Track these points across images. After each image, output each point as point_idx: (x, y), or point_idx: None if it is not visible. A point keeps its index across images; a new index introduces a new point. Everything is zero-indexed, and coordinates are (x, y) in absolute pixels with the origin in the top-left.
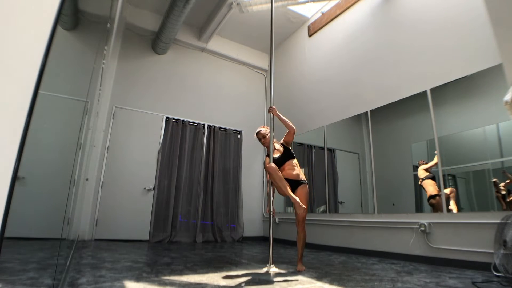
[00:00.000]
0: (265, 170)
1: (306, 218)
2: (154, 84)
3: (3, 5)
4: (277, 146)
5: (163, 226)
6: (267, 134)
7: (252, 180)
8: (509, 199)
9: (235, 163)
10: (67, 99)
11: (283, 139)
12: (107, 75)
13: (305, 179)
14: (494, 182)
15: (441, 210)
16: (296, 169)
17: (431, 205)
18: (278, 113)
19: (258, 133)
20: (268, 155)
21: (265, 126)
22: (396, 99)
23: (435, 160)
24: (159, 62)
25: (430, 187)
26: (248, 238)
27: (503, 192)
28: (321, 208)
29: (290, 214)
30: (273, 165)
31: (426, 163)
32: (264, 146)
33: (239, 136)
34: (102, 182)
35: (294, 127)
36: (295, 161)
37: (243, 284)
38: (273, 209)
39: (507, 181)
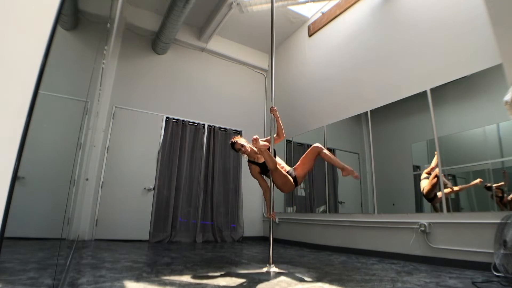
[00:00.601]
0: (255, 177)
1: (306, 217)
2: (154, 84)
3: (3, 5)
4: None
5: (163, 226)
6: (245, 143)
7: (252, 180)
8: (505, 200)
9: (235, 163)
10: (67, 99)
11: (265, 139)
12: (107, 75)
13: (290, 168)
14: (488, 187)
15: (434, 196)
16: (283, 165)
17: (426, 197)
18: (278, 115)
19: (234, 145)
20: (251, 161)
21: (237, 136)
22: (396, 99)
23: (434, 162)
24: (159, 62)
25: (423, 184)
26: (248, 238)
27: (499, 195)
28: (321, 208)
29: (290, 214)
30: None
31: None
32: (244, 154)
33: (239, 136)
34: (102, 182)
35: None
36: (278, 159)
37: (243, 284)
38: (273, 211)
39: (501, 182)
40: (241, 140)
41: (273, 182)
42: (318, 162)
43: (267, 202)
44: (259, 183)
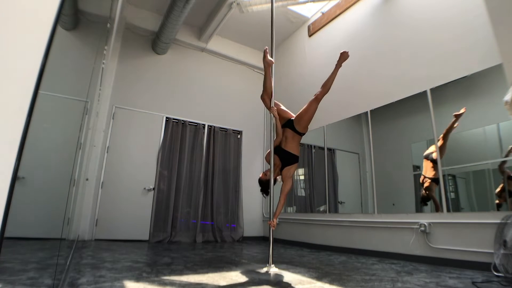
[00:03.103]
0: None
1: (306, 217)
2: (154, 84)
3: (3, 5)
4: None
5: (163, 226)
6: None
7: (252, 180)
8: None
9: (235, 163)
10: (67, 99)
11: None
12: (107, 75)
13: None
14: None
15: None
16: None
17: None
18: (278, 115)
19: (262, 182)
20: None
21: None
22: (396, 99)
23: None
24: (159, 62)
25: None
26: (248, 238)
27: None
28: (321, 208)
29: (290, 214)
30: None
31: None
32: (276, 177)
33: (239, 136)
34: (102, 182)
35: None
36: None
37: (243, 284)
38: (274, 220)
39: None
40: (262, 177)
41: (304, 116)
42: (318, 163)
43: (280, 208)
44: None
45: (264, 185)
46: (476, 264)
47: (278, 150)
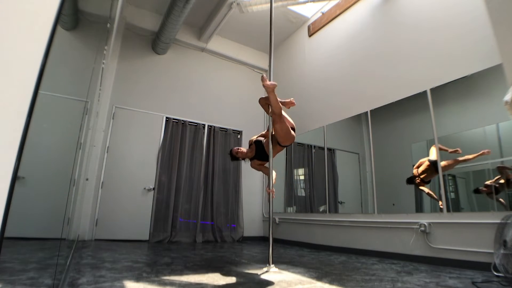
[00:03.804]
0: (256, 169)
1: (306, 217)
2: (154, 84)
3: (3, 5)
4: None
5: (163, 226)
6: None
7: (252, 180)
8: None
9: (235, 163)
10: (67, 99)
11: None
12: (107, 75)
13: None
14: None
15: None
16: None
17: (422, 179)
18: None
19: (231, 153)
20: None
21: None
22: (396, 99)
23: (433, 154)
24: (159, 62)
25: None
26: (248, 238)
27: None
28: (321, 208)
29: (290, 214)
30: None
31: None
32: (243, 158)
33: (239, 136)
34: (102, 182)
35: None
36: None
37: (243, 284)
38: (272, 190)
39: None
40: (233, 151)
41: (276, 133)
42: (318, 163)
43: (268, 178)
44: (262, 171)
45: (232, 157)
46: (476, 264)
47: (259, 143)
